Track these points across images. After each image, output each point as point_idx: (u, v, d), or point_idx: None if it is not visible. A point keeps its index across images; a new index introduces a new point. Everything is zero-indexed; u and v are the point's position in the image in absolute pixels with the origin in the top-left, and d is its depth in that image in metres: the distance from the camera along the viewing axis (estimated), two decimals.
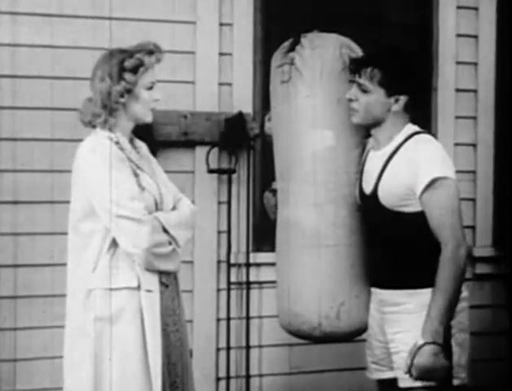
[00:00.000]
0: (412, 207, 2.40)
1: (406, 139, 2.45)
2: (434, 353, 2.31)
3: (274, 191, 2.79)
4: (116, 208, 2.28)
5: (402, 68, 2.45)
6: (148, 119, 2.45)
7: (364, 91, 2.44)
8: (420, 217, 2.38)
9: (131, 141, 2.48)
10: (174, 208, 2.49)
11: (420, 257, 2.42)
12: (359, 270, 2.60)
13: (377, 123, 2.48)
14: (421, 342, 2.32)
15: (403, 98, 2.44)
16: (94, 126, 2.40)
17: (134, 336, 2.32)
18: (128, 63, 2.36)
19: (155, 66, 2.43)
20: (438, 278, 2.33)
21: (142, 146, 2.54)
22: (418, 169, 2.36)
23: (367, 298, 2.59)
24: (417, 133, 2.47)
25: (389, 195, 2.42)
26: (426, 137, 2.48)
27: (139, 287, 2.34)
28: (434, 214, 2.36)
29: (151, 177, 2.44)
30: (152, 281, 2.36)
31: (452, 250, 2.33)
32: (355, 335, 2.64)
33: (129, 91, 2.37)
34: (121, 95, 2.37)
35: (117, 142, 2.37)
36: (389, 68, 2.43)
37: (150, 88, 2.41)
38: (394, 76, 2.42)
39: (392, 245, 2.45)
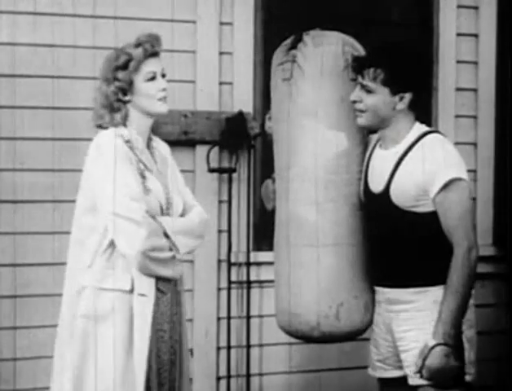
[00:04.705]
0: (425, 207, 2.39)
1: (418, 139, 2.43)
2: (445, 355, 2.31)
3: (275, 179, 2.74)
4: (115, 206, 2.26)
5: (404, 65, 2.42)
6: (162, 110, 2.39)
7: (369, 92, 2.42)
8: (431, 217, 2.38)
9: (149, 140, 2.45)
10: (183, 215, 2.45)
11: (430, 255, 2.41)
12: (359, 269, 2.58)
13: (383, 124, 2.46)
14: (432, 343, 2.32)
15: (407, 96, 2.42)
16: (106, 128, 2.37)
17: (120, 339, 2.29)
18: (118, 62, 2.34)
19: (158, 56, 2.39)
20: (449, 280, 2.33)
21: (160, 147, 2.50)
22: (434, 169, 2.35)
23: (367, 298, 2.58)
24: (429, 132, 2.45)
25: (402, 195, 2.40)
26: (440, 137, 2.45)
27: (131, 291, 2.30)
28: (448, 215, 2.35)
29: (160, 180, 2.41)
30: (148, 286, 2.32)
31: (464, 252, 2.32)
32: (354, 335, 2.62)
33: (125, 89, 2.35)
34: (124, 93, 2.35)
35: (128, 141, 2.34)
36: (391, 66, 2.40)
37: (151, 79, 2.37)
38: (397, 74, 2.40)
39: (402, 244, 2.44)
